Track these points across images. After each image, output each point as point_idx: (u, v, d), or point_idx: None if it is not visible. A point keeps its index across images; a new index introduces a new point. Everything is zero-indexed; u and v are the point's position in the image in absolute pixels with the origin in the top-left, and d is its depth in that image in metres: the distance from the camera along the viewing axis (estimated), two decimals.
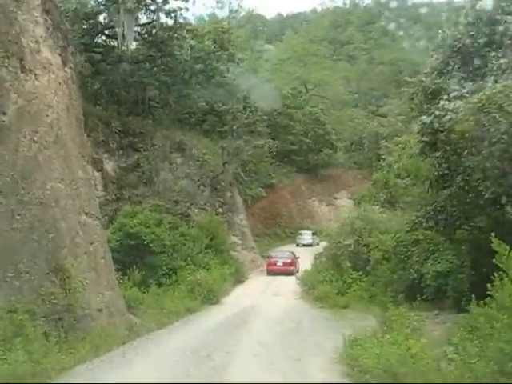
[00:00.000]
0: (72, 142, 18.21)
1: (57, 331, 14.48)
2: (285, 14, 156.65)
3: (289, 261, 41.39)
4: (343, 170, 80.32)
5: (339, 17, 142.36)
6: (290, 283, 36.92)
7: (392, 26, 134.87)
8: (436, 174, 23.25)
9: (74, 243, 16.88)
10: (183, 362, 14.77)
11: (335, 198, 77.61)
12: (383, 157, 58.24)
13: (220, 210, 40.83)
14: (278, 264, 41.03)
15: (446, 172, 22.92)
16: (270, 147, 45.49)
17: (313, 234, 62.74)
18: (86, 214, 18.51)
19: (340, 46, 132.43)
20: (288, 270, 40.36)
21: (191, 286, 29.09)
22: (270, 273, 40.62)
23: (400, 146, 58.08)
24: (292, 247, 52.82)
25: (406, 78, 29.02)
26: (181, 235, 34.70)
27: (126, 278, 25.45)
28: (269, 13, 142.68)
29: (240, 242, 41.69)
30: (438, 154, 22.27)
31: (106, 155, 38.91)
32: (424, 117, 21.40)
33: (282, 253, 43.95)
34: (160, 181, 39.44)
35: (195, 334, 20.08)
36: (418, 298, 23.58)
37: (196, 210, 39.47)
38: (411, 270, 25.59)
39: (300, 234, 63.43)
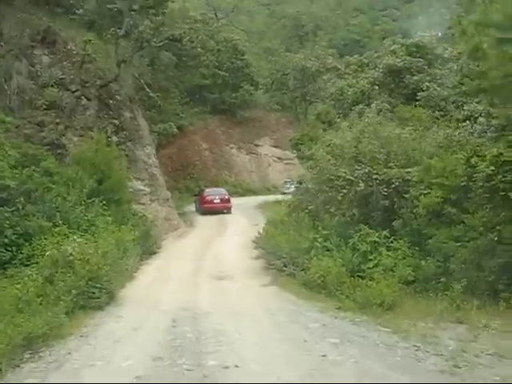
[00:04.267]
0: None
1: None
2: None
3: (226, 197, 37.05)
4: (265, 112, 64.74)
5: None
6: (235, 248, 21.87)
7: None
8: None
9: None
10: None
11: (256, 146, 62.00)
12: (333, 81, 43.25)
13: (114, 137, 24.46)
14: (215, 201, 36.20)
15: None
16: (190, 39, 28.61)
17: (299, 182, 49.75)
18: None
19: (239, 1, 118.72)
20: (226, 206, 36.02)
21: (53, 270, 12.95)
22: (206, 212, 35.37)
23: (352, 67, 43.85)
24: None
25: None
26: (45, 175, 18.64)
27: None
28: None
29: (148, 189, 25.45)
30: None
31: None
32: None
33: (214, 190, 38.90)
34: (13, 90, 22.70)
35: None
36: None
37: (75, 139, 23.06)
38: None
39: (285, 182, 51.82)
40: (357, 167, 16.71)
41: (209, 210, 35.40)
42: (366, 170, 16.54)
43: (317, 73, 63.38)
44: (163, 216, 26.57)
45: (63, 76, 24.03)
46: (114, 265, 15.15)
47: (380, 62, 36.84)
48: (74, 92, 23.75)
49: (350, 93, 38.80)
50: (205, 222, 32.17)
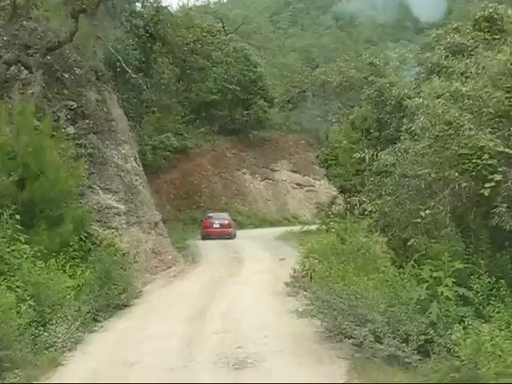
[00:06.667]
0: None
1: None
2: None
3: (226, 222, 35.04)
4: (281, 133, 55.93)
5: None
6: (260, 295, 14.05)
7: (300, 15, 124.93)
8: None
9: None
10: None
11: (273, 170, 53.05)
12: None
13: (70, 128, 15.61)
14: (215, 226, 34.22)
15: None
16: None
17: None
18: None
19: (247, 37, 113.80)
20: (225, 232, 33.88)
21: None
22: (206, 237, 33.04)
23: (392, 64, 35.48)
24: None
25: None
26: None
27: None
28: None
29: (122, 207, 16.24)
30: None
31: None
32: None
33: (217, 214, 36.44)
34: None
35: None
36: None
37: (7, 129, 13.90)
38: None
39: None
40: None
41: (207, 234, 33.22)
42: None
43: (340, 88, 54.98)
44: (149, 247, 17.48)
45: None
46: None
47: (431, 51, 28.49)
48: (5, 59, 15.02)
49: (393, 92, 30.21)
50: (212, 257, 23.14)
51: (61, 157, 13.56)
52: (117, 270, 13.02)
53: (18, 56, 15.13)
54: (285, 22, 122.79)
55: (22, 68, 15.58)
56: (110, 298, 12.02)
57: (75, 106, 15.99)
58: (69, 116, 15.80)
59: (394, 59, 34.88)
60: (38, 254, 10.41)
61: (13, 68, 15.57)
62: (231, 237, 33.15)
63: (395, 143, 28.59)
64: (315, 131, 57.78)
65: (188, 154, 45.81)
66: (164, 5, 33.99)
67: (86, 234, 12.86)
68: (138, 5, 33.36)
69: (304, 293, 12.97)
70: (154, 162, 36.72)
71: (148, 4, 32.34)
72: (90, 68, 17.12)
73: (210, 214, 36.30)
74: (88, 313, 10.74)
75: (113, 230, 15.15)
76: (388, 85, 31.18)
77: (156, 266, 17.68)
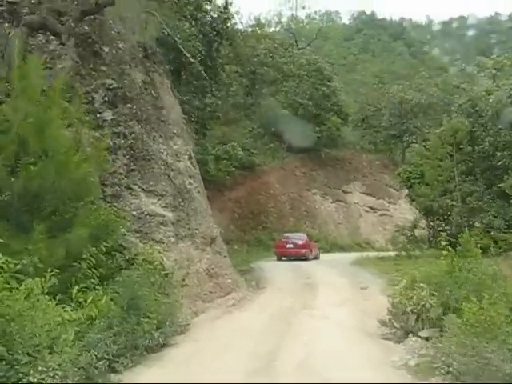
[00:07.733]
0: None
1: None
2: None
3: (300, 242, 31.59)
4: (354, 153, 51.86)
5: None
6: (344, 338, 9.72)
7: (372, 42, 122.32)
8: None
9: None
10: None
11: (345, 192, 48.97)
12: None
13: (107, 112, 12.13)
14: (288, 246, 31.21)
15: None
16: None
17: None
18: None
19: (321, 52, 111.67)
20: (299, 252, 30.77)
21: None
22: (279, 257, 31.13)
23: (489, 70, 31.24)
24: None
25: None
26: None
27: None
28: None
29: (170, 215, 12.72)
30: None
31: None
32: None
33: (294, 234, 33.29)
34: None
35: None
36: None
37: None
38: None
39: None
40: None
41: (280, 254, 31.31)
42: None
43: (418, 107, 50.84)
44: (203, 268, 13.79)
45: None
46: None
47: None
48: (26, 21, 11.74)
49: (491, 101, 26.09)
50: (280, 282, 19.22)
51: (92, 148, 10.18)
52: (153, 295, 9.35)
53: (45, 19, 11.82)
54: (356, 48, 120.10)
55: (52, 38, 12.29)
56: (138, 336, 8.33)
57: (115, 85, 12.54)
58: (106, 98, 12.38)
59: (490, 66, 30.71)
60: (30, 270, 6.91)
61: (40, 38, 12.35)
62: (307, 258, 30.55)
63: (490, 161, 24.17)
64: (390, 152, 53.73)
65: (255, 171, 42.34)
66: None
67: (109, 246, 9.25)
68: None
69: (414, 338, 9.04)
70: (217, 177, 33.47)
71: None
72: (138, 44, 13.69)
73: (287, 234, 33.72)
74: (100, 360, 7.12)
75: (154, 243, 11.51)
76: (484, 93, 27.11)
77: (211, 292, 13.96)
